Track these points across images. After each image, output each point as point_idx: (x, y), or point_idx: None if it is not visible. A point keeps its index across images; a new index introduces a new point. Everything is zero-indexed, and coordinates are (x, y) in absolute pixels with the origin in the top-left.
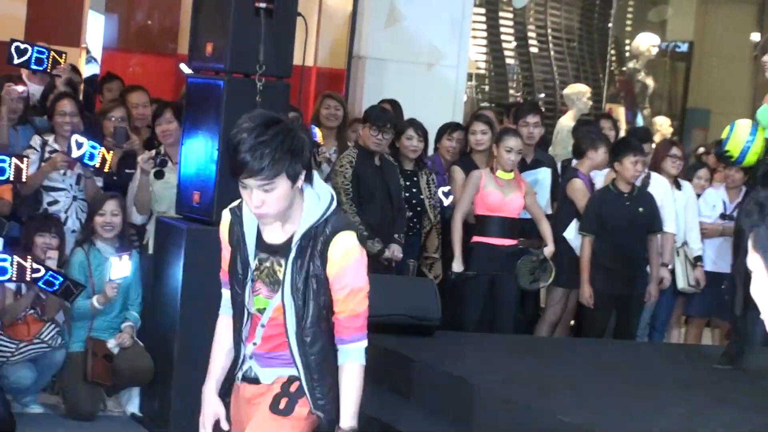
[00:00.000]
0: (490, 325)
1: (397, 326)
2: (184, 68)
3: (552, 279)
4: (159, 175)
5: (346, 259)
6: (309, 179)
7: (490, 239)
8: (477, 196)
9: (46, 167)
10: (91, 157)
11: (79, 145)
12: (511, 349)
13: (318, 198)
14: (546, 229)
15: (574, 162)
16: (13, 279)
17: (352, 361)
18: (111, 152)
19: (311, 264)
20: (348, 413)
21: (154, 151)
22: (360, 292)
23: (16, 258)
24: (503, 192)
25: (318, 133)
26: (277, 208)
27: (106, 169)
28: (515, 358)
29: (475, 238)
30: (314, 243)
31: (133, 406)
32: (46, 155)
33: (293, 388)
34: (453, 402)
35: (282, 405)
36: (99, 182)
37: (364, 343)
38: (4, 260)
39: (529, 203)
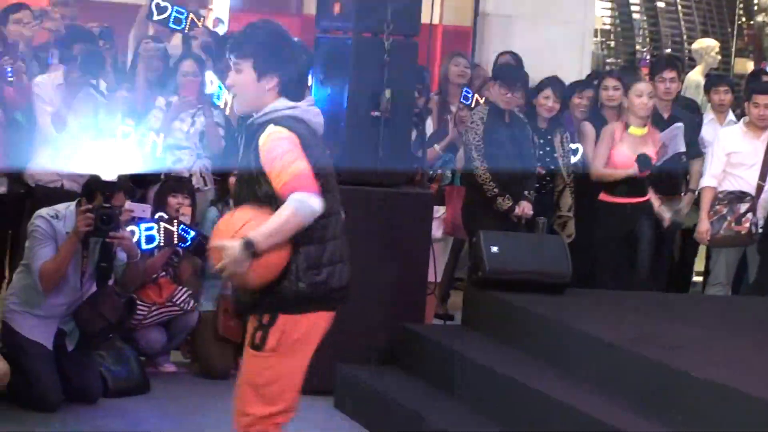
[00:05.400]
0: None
1: (526, 283)
2: None
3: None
4: None
5: (267, 142)
6: (289, 93)
7: (618, 198)
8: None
9: (171, 112)
10: (219, 97)
11: (211, 82)
12: (642, 306)
13: (276, 104)
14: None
15: None
16: (161, 245)
17: (284, 204)
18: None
19: (251, 155)
20: (255, 231)
21: None
22: (285, 167)
23: (162, 224)
24: (634, 149)
25: (477, 98)
26: (243, 96)
27: (227, 112)
28: (646, 315)
29: (603, 197)
30: (253, 139)
31: None
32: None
33: (266, 319)
34: (583, 360)
35: (257, 339)
36: (221, 131)
37: (302, 195)
38: (151, 228)
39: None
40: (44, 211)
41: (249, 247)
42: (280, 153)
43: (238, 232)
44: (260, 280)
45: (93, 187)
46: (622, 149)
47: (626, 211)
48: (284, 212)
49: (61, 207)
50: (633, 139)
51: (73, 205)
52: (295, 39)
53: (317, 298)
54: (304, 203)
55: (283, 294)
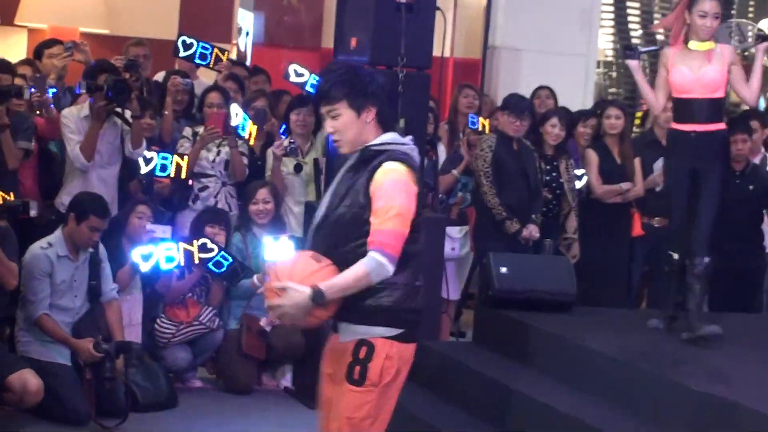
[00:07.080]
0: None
1: (534, 302)
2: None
3: None
4: (298, 169)
5: (386, 176)
6: (386, 121)
7: (683, 125)
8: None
9: (198, 143)
10: (243, 128)
11: (236, 114)
12: (645, 323)
13: (390, 136)
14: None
15: None
16: (181, 263)
17: (362, 262)
18: (255, 125)
19: (358, 179)
20: (327, 283)
21: (286, 140)
22: (392, 209)
23: (181, 245)
24: (690, 67)
25: (483, 122)
26: (347, 136)
27: (251, 142)
28: (649, 332)
29: (673, 125)
30: (367, 165)
31: (286, 381)
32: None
33: (362, 353)
34: (589, 375)
35: (356, 375)
36: (245, 160)
37: (382, 259)
38: (170, 249)
39: (734, 75)
40: (38, 246)
41: (318, 298)
42: (394, 196)
43: (308, 278)
44: (306, 327)
45: (83, 207)
46: (680, 69)
47: (691, 140)
48: (360, 270)
49: (51, 236)
50: (693, 54)
51: (59, 230)
52: (369, 69)
53: (416, 324)
54: (382, 267)
55: (392, 318)
